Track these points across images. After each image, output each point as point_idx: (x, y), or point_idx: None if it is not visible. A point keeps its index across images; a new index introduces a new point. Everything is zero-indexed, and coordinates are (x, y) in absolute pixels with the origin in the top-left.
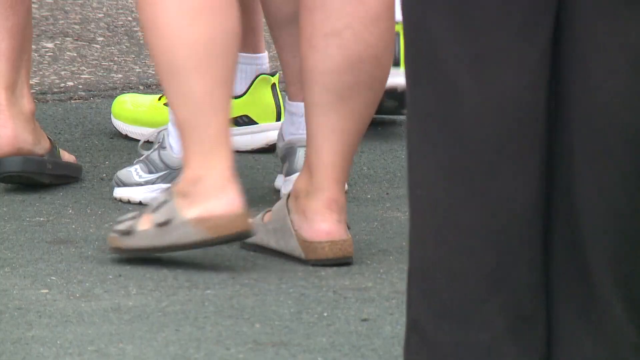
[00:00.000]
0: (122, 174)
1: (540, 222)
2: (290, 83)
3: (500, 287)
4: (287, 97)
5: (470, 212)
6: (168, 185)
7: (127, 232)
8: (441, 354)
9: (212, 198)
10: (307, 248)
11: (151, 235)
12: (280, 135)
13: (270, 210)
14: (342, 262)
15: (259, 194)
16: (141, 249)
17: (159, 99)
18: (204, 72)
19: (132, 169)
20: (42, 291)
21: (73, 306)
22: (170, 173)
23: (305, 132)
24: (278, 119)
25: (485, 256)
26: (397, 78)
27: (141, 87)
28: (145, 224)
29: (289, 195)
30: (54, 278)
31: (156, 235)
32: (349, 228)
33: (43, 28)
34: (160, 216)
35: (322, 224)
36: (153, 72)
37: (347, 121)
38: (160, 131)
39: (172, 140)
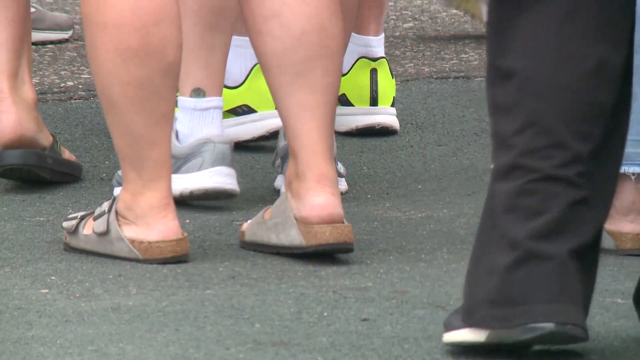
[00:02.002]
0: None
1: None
2: None
3: None
4: None
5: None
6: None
7: (72, 232)
8: None
9: (146, 225)
10: (307, 234)
11: (91, 240)
12: (281, 135)
13: (270, 207)
14: (343, 248)
15: (259, 194)
16: (83, 250)
17: None
18: (139, 109)
19: None
20: (42, 291)
21: (73, 306)
22: (175, 162)
23: None
24: None
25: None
26: (376, 118)
27: None
28: (88, 228)
29: (285, 193)
30: (54, 278)
31: (96, 242)
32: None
33: None
34: (99, 225)
35: (316, 199)
36: None
37: (311, 95)
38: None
39: (180, 126)
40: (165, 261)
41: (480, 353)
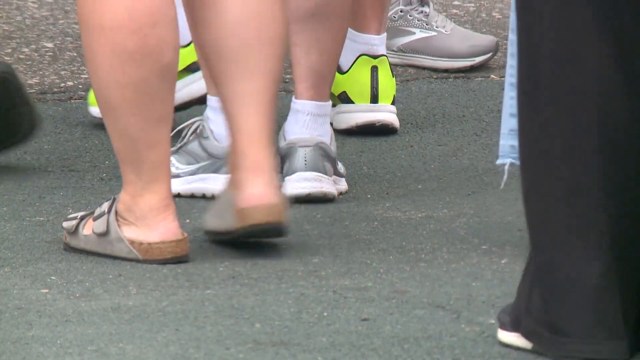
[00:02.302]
0: None
1: None
2: (299, 80)
3: None
4: (293, 97)
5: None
6: (210, 175)
7: (72, 232)
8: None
9: (146, 226)
10: (238, 217)
11: (91, 241)
12: (282, 134)
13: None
14: (273, 228)
15: None
16: (84, 250)
17: None
18: (136, 111)
19: None
20: (42, 291)
21: (73, 306)
22: (215, 162)
23: (311, 131)
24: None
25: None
26: (376, 115)
27: None
28: (87, 229)
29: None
30: (54, 278)
31: (96, 243)
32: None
33: (43, 28)
34: (99, 226)
35: (251, 189)
36: None
37: (249, 82)
38: (195, 122)
39: (214, 126)
40: (165, 262)
41: (479, 352)
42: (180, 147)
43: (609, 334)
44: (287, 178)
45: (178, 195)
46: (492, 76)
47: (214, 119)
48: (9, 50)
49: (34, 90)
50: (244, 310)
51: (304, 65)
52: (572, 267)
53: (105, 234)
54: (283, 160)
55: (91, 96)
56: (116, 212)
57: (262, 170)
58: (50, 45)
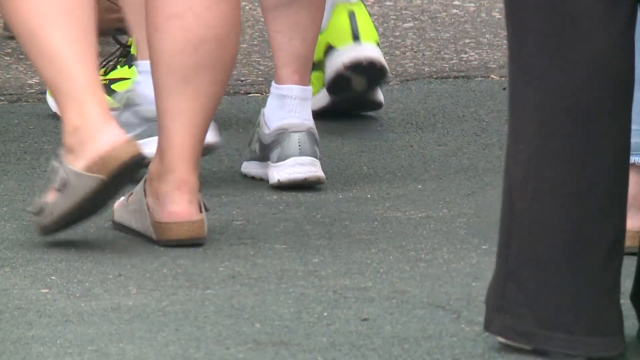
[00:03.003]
0: None
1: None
2: (282, 66)
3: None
4: (274, 82)
5: (561, 168)
6: (149, 139)
7: (40, 210)
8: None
9: (92, 141)
10: (157, 229)
11: (59, 202)
12: (263, 121)
13: (133, 192)
14: (194, 242)
15: (259, 194)
16: (58, 220)
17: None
18: (59, 29)
19: None
20: (42, 291)
21: (73, 306)
22: (151, 126)
23: (299, 115)
24: None
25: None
26: (361, 51)
27: None
28: (51, 196)
29: (145, 179)
30: (54, 278)
31: (63, 200)
32: (206, 209)
33: None
34: (58, 181)
35: (172, 206)
36: None
37: (193, 102)
38: (122, 94)
39: (146, 89)
40: (124, 170)
41: (479, 352)
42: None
43: (612, 329)
44: (279, 164)
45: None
46: (492, 76)
47: (145, 81)
48: (9, 50)
49: (34, 90)
50: (244, 310)
51: (287, 51)
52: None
53: (66, 184)
54: (270, 147)
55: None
56: (65, 157)
57: (187, 188)
58: None
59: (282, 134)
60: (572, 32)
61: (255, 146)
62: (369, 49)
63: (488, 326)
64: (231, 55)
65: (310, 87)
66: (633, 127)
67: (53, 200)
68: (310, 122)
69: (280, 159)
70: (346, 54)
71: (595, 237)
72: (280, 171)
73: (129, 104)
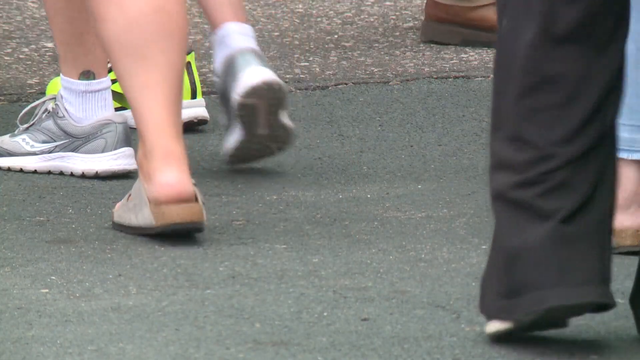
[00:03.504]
0: (7, 144)
1: None
2: (213, 11)
3: None
4: (210, 31)
5: None
6: (69, 154)
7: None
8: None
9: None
10: (156, 214)
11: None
12: (216, 72)
13: (131, 192)
14: (192, 227)
15: (259, 194)
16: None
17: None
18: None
19: (18, 139)
20: (42, 291)
21: (73, 306)
22: (73, 141)
23: (242, 44)
24: (193, 96)
25: None
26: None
27: None
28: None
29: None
30: (54, 278)
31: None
32: (202, 201)
33: (43, 28)
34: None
35: (162, 177)
36: None
37: (154, 74)
38: (46, 101)
39: (69, 107)
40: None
41: (479, 352)
42: (31, 125)
43: (580, 278)
44: (242, 75)
45: (35, 172)
46: (492, 76)
47: (69, 99)
48: (9, 50)
49: (34, 90)
50: (244, 310)
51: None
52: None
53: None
54: (224, 99)
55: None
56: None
57: (174, 158)
58: (50, 45)
59: (232, 57)
60: None
61: (220, 83)
62: (201, 108)
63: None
64: (177, 22)
65: None
66: (624, 122)
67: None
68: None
69: (240, 72)
70: (184, 111)
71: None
72: (247, 79)
73: (53, 113)
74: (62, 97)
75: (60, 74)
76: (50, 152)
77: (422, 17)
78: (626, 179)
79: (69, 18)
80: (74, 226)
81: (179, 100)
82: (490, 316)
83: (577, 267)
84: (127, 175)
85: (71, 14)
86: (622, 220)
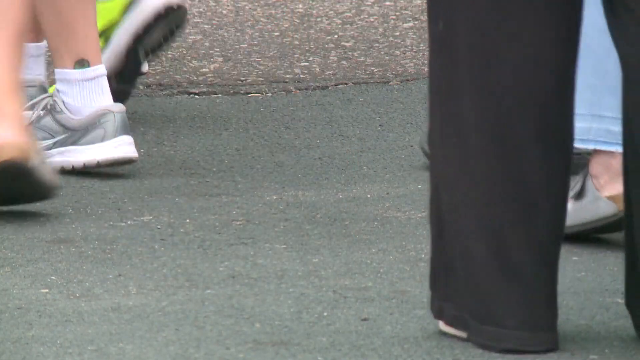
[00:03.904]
0: None
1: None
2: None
3: None
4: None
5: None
6: (68, 147)
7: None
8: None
9: None
10: None
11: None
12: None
13: None
14: (17, 165)
15: (259, 194)
16: None
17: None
18: None
19: None
20: (42, 291)
21: (73, 306)
22: (72, 135)
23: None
24: None
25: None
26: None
27: (141, 87)
28: None
29: None
30: (54, 278)
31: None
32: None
33: None
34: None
35: None
36: (153, 72)
37: None
38: (44, 98)
39: (67, 99)
40: None
41: (479, 352)
42: (29, 125)
43: (542, 325)
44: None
45: None
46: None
47: (65, 91)
48: None
49: None
50: (244, 310)
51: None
52: (491, 260)
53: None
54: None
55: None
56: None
57: (4, 115)
58: None
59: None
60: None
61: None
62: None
63: (439, 315)
64: None
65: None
66: (577, 111)
67: None
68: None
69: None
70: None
71: (517, 241)
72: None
73: (51, 110)
74: (58, 91)
75: (55, 69)
76: (49, 149)
77: (422, 17)
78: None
79: (57, 9)
80: (74, 226)
81: (18, 59)
82: (442, 319)
83: (540, 312)
84: (127, 175)
85: (59, 5)
86: (619, 187)
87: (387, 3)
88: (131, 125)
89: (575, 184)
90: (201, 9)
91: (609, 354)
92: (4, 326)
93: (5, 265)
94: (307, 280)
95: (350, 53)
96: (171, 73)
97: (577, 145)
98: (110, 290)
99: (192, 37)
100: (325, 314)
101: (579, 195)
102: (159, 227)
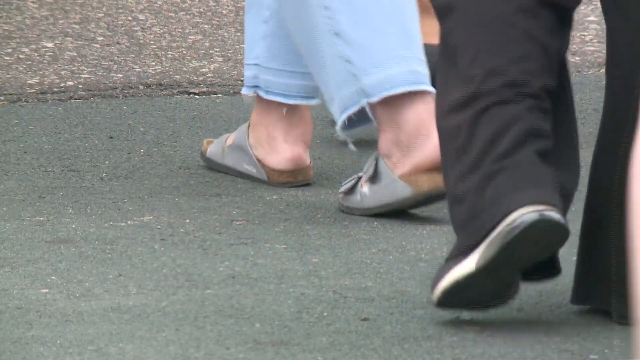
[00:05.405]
0: None
1: None
2: None
3: None
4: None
5: None
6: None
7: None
8: None
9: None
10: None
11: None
12: None
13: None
14: None
15: (259, 194)
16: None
17: None
18: None
19: None
20: (42, 291)
21: (73, 306)
22: None
23: None
24: None
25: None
26: None
27: (141, 87)
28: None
29: None
30: (54, 278)
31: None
32: None
33: (43, 28)
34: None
35: None
36: (153, 72)
37: None
38: None
39: None
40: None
41: (479, 352)
42: None
43: (546, 185)
44: None
45: (35, 172)
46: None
47: None
48: (9, 50)
49: (34, 90)
50: (244, 310)
51: None
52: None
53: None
54: None
55: None
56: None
57: None
58: (50, 45)
59: None
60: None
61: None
62: None
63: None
64: None
65: None
66: (289, 69)
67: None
68: None
69: None
70: None
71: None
72: None
73: None
74: None
75: None
76: None
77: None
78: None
79: None
80: (74, 226)
81: None
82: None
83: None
84: (127, 175)
85: None
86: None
87: None
88: (131, 125)
89: (368, 167)
90: (201, 9)
91: (608, 354)
92: (4, 326)
93: (5, 265)
94: (307, 280)
95: None
96: (171, 73)
97: (280, 99)
98: (110, 290)
99: (192, 37)
100: (325, 314)
101: (374, 178)
102: (159, 227)
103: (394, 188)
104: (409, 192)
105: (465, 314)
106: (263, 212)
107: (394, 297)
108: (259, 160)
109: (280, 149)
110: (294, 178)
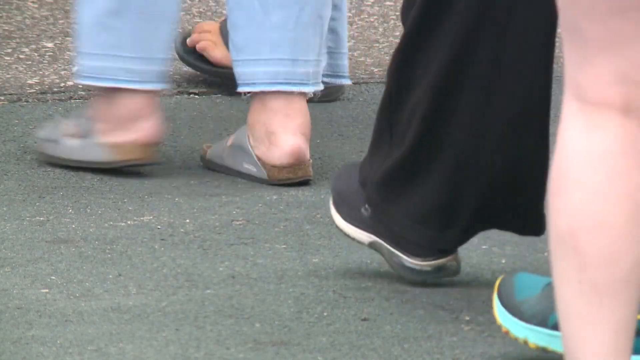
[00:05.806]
0: None
1: None
2: None
3: None
4: None
5: None
6: None
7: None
8: None
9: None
10: None
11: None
12: None
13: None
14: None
15: (259, 194)
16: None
17: None
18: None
19: None
20: (42, 291)
21: (73, 306)
22: None
23: None
24: None
25: None
26: None
27: None
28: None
29: None
30: (54, 278)
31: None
32: None
33: (43, 28)
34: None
35: None
36: None
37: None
38: None
39: None
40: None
41: (479, 352)
42: None
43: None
44: None
45: (35, 172)
46: None
47: None
48: (9, 50)
49: (34, 90)
50: (244, 310)
51: None
52: None
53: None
54: None
55: None
56: None
57: None
58: (50, 45)
59: None
60: None
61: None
62: None
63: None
64: None
65: None
66: (243, 57)
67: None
68: None
69: None
70: None
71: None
72: None
73: None
74: None
75: None
76: None
77: None
78: None
79: None
80: (74, 226)
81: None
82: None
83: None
84: (127, 175)
85: None
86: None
87: (387, 3)
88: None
89: (83, 123)
90: (201, 9)
91: None
92: (4, 326)
93: (5, 265)
94: (307, 280)
95: (350, 53)
96: (171, 73)
97: (90, 82)
98: (110, 290)
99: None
100: (325, 314)
101: (85, 134)
102: (159, 227)
103: (98, 150)
104: (108, 158)
105: (465, 314)
106: (263, 212)
107: (394, 297)
108: (259, 160)
109: (280, 141)
110: (294, 174)
